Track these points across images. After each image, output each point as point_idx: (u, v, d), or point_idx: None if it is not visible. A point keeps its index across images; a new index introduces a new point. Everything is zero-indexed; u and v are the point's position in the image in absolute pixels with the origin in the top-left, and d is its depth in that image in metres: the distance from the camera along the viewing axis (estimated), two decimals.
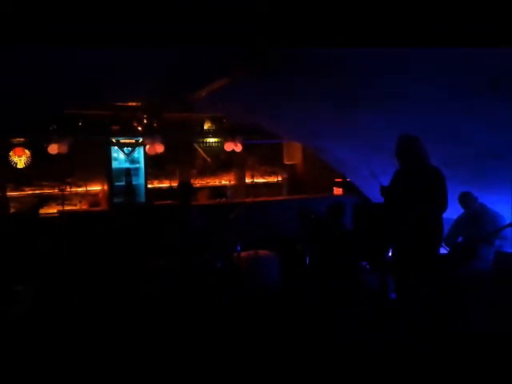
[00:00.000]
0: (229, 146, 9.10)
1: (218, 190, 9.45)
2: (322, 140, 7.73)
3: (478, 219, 5.85)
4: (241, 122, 8.89)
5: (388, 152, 4.79)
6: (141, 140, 8.47)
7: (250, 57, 4.24)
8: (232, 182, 9.73)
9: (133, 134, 8.46)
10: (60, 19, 2.75)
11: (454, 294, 5.06)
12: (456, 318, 4.67)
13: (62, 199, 8.55)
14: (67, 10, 2.67)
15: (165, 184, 9.44)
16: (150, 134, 8.38)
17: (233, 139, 9.04)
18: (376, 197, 5.73)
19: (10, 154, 8.04)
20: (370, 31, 2.87)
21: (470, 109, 4.59)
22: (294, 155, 10.37)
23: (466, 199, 5.91)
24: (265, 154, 10.36)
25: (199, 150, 9.55)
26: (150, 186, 8.93)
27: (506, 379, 3.69)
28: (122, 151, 8.47)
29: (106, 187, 8.53)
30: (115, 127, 8.37)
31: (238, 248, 6.35)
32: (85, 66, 4.64)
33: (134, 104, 8.07)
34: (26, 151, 8.13)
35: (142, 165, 8.63)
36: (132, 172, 8.32)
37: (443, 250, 6.02)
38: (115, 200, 8.18)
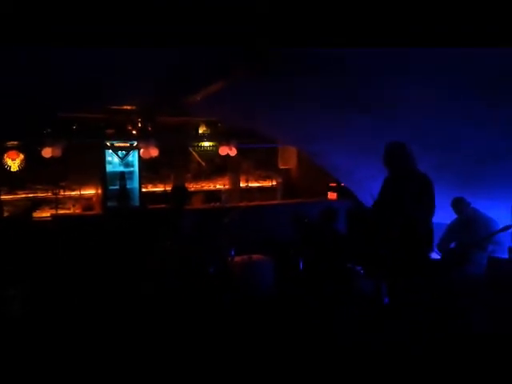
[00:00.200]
0: (223, 150, 9.10)
1: (213, 194, 9.44)
2: (316, 144, 7.75)
3: (470, 224, 5.87)
4: (236, 126, 8.90)
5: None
6: (135, 144, 8.45)
7: (249, 57, 4.24)
8: (226, 186, 9.73)
9: (127, 137, 8.45)
10: (59, 19, 2.74)
11: (447, 299, 5.07)
12: (449, 323, 4.68)
13: (55, 203, 8.51)
14: (66, 9, 2.67)
15: (159, 188, 9.42)
16: (144, 137, 8.37)
17: (228, 143, 9.05)
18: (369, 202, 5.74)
19: (4, 157, 8.01)
20: (369, 31, 2.86)
21: (466, 113, 4.61)
22: (288, 160, 10.38)
23: (458, 204, 5.93)
24: (259, 159, 10.36)
25: (194, 153, 9.54)
26: (144, 189, 8.91)
27: (501, 382, 3.70)
28: (117, 155, 8.45)
29: (99, 191, 8.51)
30: (110, 131, 8.36)
31: (232, 252, 6.34)
32: (80, 68, 4.64)
33: (129, 107, 8.06)
34: (20, 154, 8.10)
35: (136, 168, 8.61)
36: (126, 176, 8.30)
37: (436, 256, 6.03)
38: (109, 204, 8.15)
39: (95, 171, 8.53)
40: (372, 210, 4.82)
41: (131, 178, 8.52)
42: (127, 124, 8.48)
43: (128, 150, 8.50)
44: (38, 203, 8.20)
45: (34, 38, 2.80)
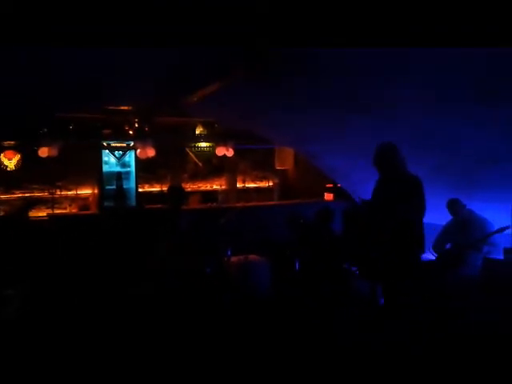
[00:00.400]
0: (220, 151, 9.11)
1: (210, 195, 9.44)
2: (314, 145, 7.77)
3: (466, 226, 5.90)
4: (233, 126, 8.91)
5: None
6: (132, 144, 8.45)
7: (249, 57, 4.24)
8: (223, 187, 9.74)
9: (124, 137, 8.45)
10: (58, 19, 2.74)
11: (442, 300, 5.09)
12: (444, 324, 4.70)
13: (51, 202, 8.50)
14: (66, 9, 2.67)
15: (156, 188, 9.42)
16: (141, 137, 8.37)
17: (224, 144, 9.06)
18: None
19: (1, 156, 8.00)
20: (369, 31, 2.86)
21: (466, 114, 4.62)
22: (285, 160, 10.40)
23: (454, 206, 5.96)
24: (256, 159, 10.37)
25: (191, 154, 9.54)
26: (140, 190, 8.90)
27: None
28: (113, 155, 8.45)
29: (96, 191, 8.51)
30: (106, 131, 8.35)
31: (229, 252, 6.35)
32: (79, 68, 4.64)
33: (126, 108, 8.06)
34: (17, 154, 8.09)
35: (133, 169, 8.61)
36: (123, 176, 8.28)
37: (431, 257, 6.06)
38: (106, 204, 8.15)
39: (92, 171, 8.53)
40: (363, 212, 4.84)
41: (128, 178, 8.52)
42: (124, 124, 8.48)
43: (125, 150, 8.50)
44: (32, 202, 8.19)
45: (34, 37, 2.80)
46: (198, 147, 9.36)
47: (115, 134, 8.41)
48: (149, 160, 8.61)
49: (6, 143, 8.02)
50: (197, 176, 9.84)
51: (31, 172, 8.32)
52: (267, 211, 8.56)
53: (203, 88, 5.59)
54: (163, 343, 4.55)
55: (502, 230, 5.51)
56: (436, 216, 6.06)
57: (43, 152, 7.82)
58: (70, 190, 8.73)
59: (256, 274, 6.28)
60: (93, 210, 8.48)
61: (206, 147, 9.33)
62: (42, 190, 8.53)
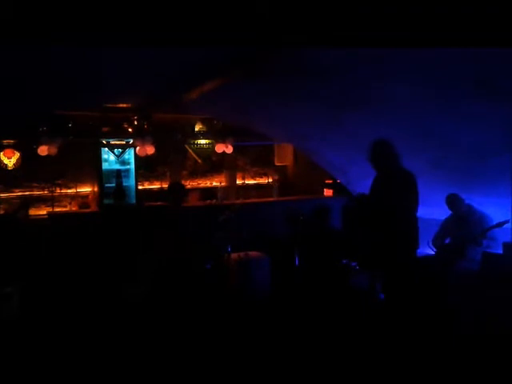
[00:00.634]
0: (220, 148, 9.12)
1: (209, 192, 9.46)
2: (312, 142, 7.79)
3: (465, 220, 5.92)
4: (231, 123, 8.92)
5: None
6: (131, 141, 8.46)
7: (247, 57, 4.25)
8: (223, 184, 9.75)
9: (123, 135, 8.44)
10: (57, 19, 2.74)
11: (441, 294, 5.12)
12: (442, 319, 4.72)
13: (51, 201, 8.51)
14: (65, 9, 2.66)
15: (155, 185, 9.43)
16: (140, 135, 8.37)
17: (224, 141, 9.06)
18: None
19: (0, 155, 8.00)
20: (370, 31, 2.86)
21: (457, 110, 4.65)
22: (284, 157, 10.41)
23: (453, 201, 5.98)
24: (256, 156, 10.39)
25: (190, 151, 9.55)
26: (140, 187, 8.91)
27: (491, 379, 3.75)
28: (113, 153, 8.45)
29: (96, 189, 8.51)
30: (105, 129, 8.35)
31: (229, 249, 6.38)
32: (79, 66, 4.64)
33: (125, 105, 8.06)
34: (16, 152, 8.09)
35: (132, 166, 8.61)
36: (122, 173, 8.29)
37: (431, 252, 6.09)
38: (105, 201, 8.16)
39: (91, 169, 8.53)
40: (357, 207, 4.87)
41: (127, 176, 8.52)
42: (123, 122, 8.48)
43: (124, 147, 8.50)
44: (29, 201, 8.19)
45: (33, 35, 2.80)
46: (197, 144, 9.36)
47: (114, 132, 8.41)
48: (148, 157, 8.62)
49: (5, 142, 8.02)
50: (196, 173, 9.85)
51: (31, 170, 8.32)
52: (267, 207, 8.58)
53: (202, 85, 5.60)
54: (163, 339, 4.58)
55: (501, 224, 5.54)
56: (435, 211, 6.10)
57: (42, 150, 7.81)
58: (69, 188, 8.74)
59: (256, 270, 6.31)
60: (93, 208, 8.49)
61: (206, 144, 9.33)
62: (42, 189, 8.53)
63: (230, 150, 9.15)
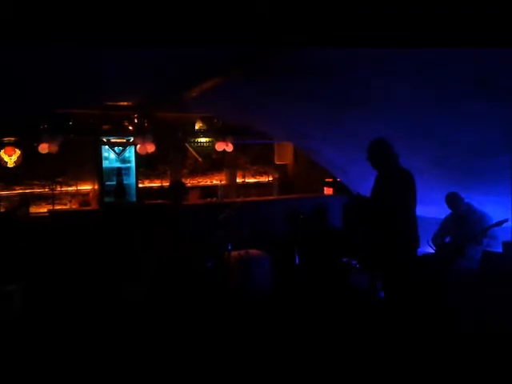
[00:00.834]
0: (220, 146, 9.13)
1: (209, 190, 9.47)
2: (312, 141, 7.79)
3: (465, 219, 5.92)
4: (231, 121, 8.93)
5: None
6: (132, 139, 8.47)
7: (247, 56, 4.26)
8: (223, 182, 9.76)
9: (124, 133, 8.46)
10: (57, 19, 2.74)
11: (441, 293, 5.13)
12: (442, 318, 4.73)
13: (52, 198, 8.53)
14: (65, 9, 2.67)
15: (156, 183, 9.45)
16: (140, 133, 8.38)
17: (224, 139, 9.07)
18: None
19: (1, 153, 8.01)
20: (372, 31, 2.86)
21: (457, 110, 4.65)
22: (285, 155, 10.42)
23: (453, 199, 5.98)
24: (256, 154, 10.40)
25: (190, 149, 9.56)
26: (140, 185, 8.94)
27: (491, 377, 3.76)
28: (113, 151, 8.47)
29: (96, 187, 8.53)
30: (106, 127, 8.37)
31: (229, 247, 6.39)
32: (79, 64, 4.64)
33: (125, 103, 8.07)
34: (17, 150, 8.10)
35: (132, 164, 8.63)
36: (123, 171, 8.31)
37: (430, 250, 6.10)
38: (106, 199, 8.17)
39: (92, 167, 8.55)
40: (355, 206, 4.88)
41: (128, 174, 8.55)
42: (124, 120, 8.49)
43: (124, 145, 8.52)
44: (29, 199, 8.21)
45: (33, 35, 2.80)
46: (197, 142, 9.37)
47: (115, 130, 8.43)
48: (148, 155, 8.64)
49: (6, 139, 8.03)
50: (196, 171, 9.87)
51: (31, 168, 8.34)
52: (267, 206, 8.59)
53: (202, 84, 5.60)
54: (163, 337, 4.59)
55: (500, 223, 5.54)
56: (434, 210, 6.11)
57: (43, 148, 7.82)
58: (70, 186, 8.76)
59: (256, 268, 6.32)
60: (93, 206, 8.51)
61: (206, 142, 9.34)
62: (43, 186, 8.55)
63: (230, 148, 9.16)
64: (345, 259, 6.43)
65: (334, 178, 9.02)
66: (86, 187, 8.83)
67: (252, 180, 10.37)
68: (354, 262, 6.43)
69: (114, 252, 6.53)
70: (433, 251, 6.10)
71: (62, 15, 2.51)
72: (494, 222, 5.68)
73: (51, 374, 3.96)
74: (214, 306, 5.51)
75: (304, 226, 6.65)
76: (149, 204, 8.07)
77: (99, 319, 5.13)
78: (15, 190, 8.35)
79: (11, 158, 8.06)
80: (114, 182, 8.15)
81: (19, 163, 8.12)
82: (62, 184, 8.68)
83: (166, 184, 8.87)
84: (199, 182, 9.88)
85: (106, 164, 8.42)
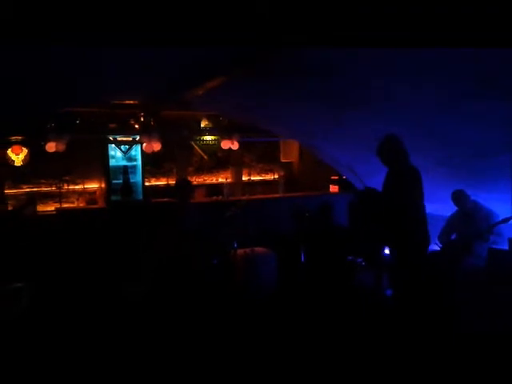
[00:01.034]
0: (226, 144, 9.14)
1: (215, 188, 9.49)
2: (317, 139, 7.77)
3: (471, 216, 5.90)
4: (236, 120, 8.93)
5: None
6: (138, 138, 8.50)
7: (250, 56, 4.26)
8: (229, 180, 9.78)
9: (130, 132, 8.49)
10: (57, 19, 2.76)
11: (448, 290, 5.12)
12: (449, 316, 4.72)
13: (59, 197, 8.59)
14: (65, 9, 2.68)
15: (162, 182, 9.48)
16: (147, 132, 8.41)
17: (230, 137, 9.08)
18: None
19: (8, 151, 8.07)
20: (373, 30, 2.86)
21: (460, 109, 4.62)
22: (290, 153, 10.42)
23: (459, 197, 5.96)
24: (261, 152, 10.41)
25: (196, 147, 9.59)
26: (147, 183, 8.97)
27: (500, 377, 3.75)
28: (120, 149, 8.51)
29: (103, 185, 8.58)
30: (112, 125, 8.40)
31: (235, 245, 6.41)
32: (84, 63, 4.66)
33: (132, 102, 8.10)
34: (24, 149, 8.15)
35: (139, 162, 8.67)
36: (129, 170, 8.34)
37: (436, 248, 6.08)
38: (112, 198, 8.22)
39: (98, 165, 8.60)
40: (365, 202, 4.86)
41: (134, 172, 8.58)
42: (130, 119, 8.52)
43: (131, 144, 8.55)
44: (36, 197, 8.27)
45: (33, 35, 2.81)
46: (203, 140, 9.39)
47: (121, 129, 8.46)
48: (155, 154, 8.67)
49: (13, 138, 8.08)
50: (202, 169, 9.89)
51: (38, 167, 8.39)
52: (273, 204, 8.60)
53: (207, 83, 5.61)
54: (167, 336, 4.62)
55: (506, 220, 5.51)
56: (440, 207, 6.09)
57: (50, 147, 7.87)
58: (77, 185, 8.81)
59: (262, 266, 6.34)
60: (100, 204, 8.56)
61: (212, 140, 9.36)
62: (50, 185, 8.61)
63: (235, 146, 9.17)
64: (350, 257, 6.44)
65: (340, 176, 9.00)
66: (92, 185, 8.88)
67: (257, 178, 10.38)
68: (359, 260, 6.43)
69: (121, 250, 6.58)
70: (439, 249, 6.09)
71: (62, 15, 2.52)
72: (500, 219, 5.66)
73: (53, 372, 3.99)
74: (220, 304, 5.53)
75: (309, 224, 6.65)
76: (155, 202, 8.11)
77: (102, 318, 5.16)
78: (22, 188, 8.42)
79: (18, 156, 8.12)
80: (121, 181, 8.19)
81: (26, 162, 8.17)
82: (69, 182, 8.73)
83: (172, 182, 8.90)
84: (205, 180, 9.91)
85: (112, 162, 8.46)
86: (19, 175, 8.33)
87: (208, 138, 9.36)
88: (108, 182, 8.34)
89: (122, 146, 8.51)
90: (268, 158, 10.47)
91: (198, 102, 7.06)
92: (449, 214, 6.25)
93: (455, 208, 6.12)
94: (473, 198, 5.95)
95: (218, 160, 9.98)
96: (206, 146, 9.50)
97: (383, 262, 5.87)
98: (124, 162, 8.51)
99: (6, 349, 4.34)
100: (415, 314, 4.41)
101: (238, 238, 6.42)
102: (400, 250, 4.51)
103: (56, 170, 8.50)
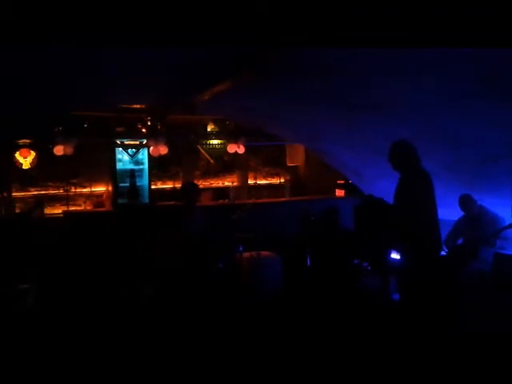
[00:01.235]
0: (232, 148, 9.16)
1: (221, 192, 9.51)
2: (323, 143, 7.77)
3: (478, 221, 5.86)
4: (243, 123, 8.95)
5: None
6: (145, 142, 8.54)
7: (256, 58, 4.27)
8: (235, 184, 9.79)
9: (137, 135, 8.54)
10: (57, 19, 2.78)
11: (454, 295, 5.08)
12: (455, 320, 4.69)
13: (66, 200, 8.64)
14: (65, 9, 2.70)
15: (168, 185, 9.52)
16: (154, 135, 8.45)
17: (236, 141, 9.10)
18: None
19: (16, 154, 8.14)
20: (375, 30, 2.86)
21: (468, 112, 4.60)
22: (296, 157, 10.42)
23: (466, 202, 5.92)
24: (268, 156, 10.42)
25: (202, 151, 9.62)
26: (153, 187, 9.01)
27: (504, 380, 3.72)
28: (127, 153, 8.55)
29: (110, 188, 8.62)
30: (120, 129, 8.45)
31: (241, 248, 6.40)
32: (92, 67, 4.70)
33: (139, 106, 8.15)
34: (32, 152, 8.23)
35: (145, 166, 8.70)
36: (136, 173, 8.37)
37: (442, 252, 6.04)
38: (119, 201, 8.26)
39: (106, 169, 8.65)
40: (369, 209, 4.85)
41: (141, 176, 8.61)
42: (137, 122, 8.57)
43: (138, 147, 8.59)
44: (43, 200, 8.32)
45: (33, 35, 2.83)
46: (209, 144, 9.42)
47: (128, 132, 8.50)
48: (161, 157, 8.71)
49: (22, 141, 8.17)
50: (209, 173, 9.92)
51: (46, 170, 8.46)
52: (279, 207, 8.59)
53: (213, 86, 5.63)
54: (173, 338, 4.62)
55: None
56: (446, 212, 6.05)
57: (58, 150, 7.93)
58: (84, 188, 8.87)
59: (268, 269, 6.33)
60: (107, 207, 8.60)
61: (218, 144, 9.38)
62: (57, 188, 8.68)
63: (242, 150, 9.19)
64: (356, 261, 6.41)
65: (346, 180, 8.98)
66: (99, 189, 8.94)
67: (263, 182, 10.39)
68: (365, 264, 6.40)
69: (127, 253, 6.60)
70: (445, 253, 6.05)
71: (62, 15, 2.54)
72: (506, 223, 5.61)
73: (56, 372, 4.01)
74: (225, 307, 5.53)
75: (315, 228, 6.64)
76: (162, 205, 8.13)
77: (108, 320, 5.17)
78: (30, 191, 8.49)
79: (26, 159, 8.19)
80: (128, 184, 8.22)
81: (34, 165, 8.24)
82: (76, 185, 8.80)
83: (179, 185, 8.93)
84: (211, 183, 9.93)
85: (119, 166, 8.49)
86: (27, 178, 8.41)
87: (214, 141, 9.39)
88: (115, 186, 8.38)
89: (129, 150, 8.55)
90: (274, 162, 10.48)
91: (204, 106, 7.08)
92: (455, 218, 6.22)
93: (461, 213, 6.08)
94: (479, 202, 5.91)
95: (224, 164, 10.00)
96: (212, 150, 9.52)
97: (389, 266, 5.83)
98: (131, 166, 8.54)
99: (6, 349, 4.36)
100: (423, 319, 4.38)
101: (243, 241, 6.42)
102: (412, 255, 4.46)
103: (63, 173, 8.57)
